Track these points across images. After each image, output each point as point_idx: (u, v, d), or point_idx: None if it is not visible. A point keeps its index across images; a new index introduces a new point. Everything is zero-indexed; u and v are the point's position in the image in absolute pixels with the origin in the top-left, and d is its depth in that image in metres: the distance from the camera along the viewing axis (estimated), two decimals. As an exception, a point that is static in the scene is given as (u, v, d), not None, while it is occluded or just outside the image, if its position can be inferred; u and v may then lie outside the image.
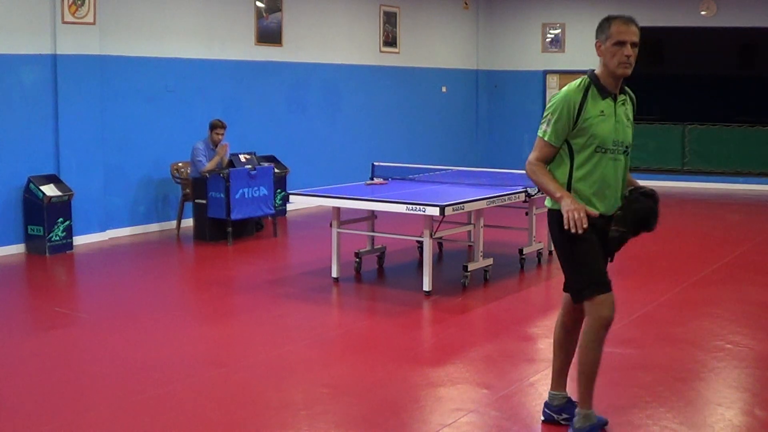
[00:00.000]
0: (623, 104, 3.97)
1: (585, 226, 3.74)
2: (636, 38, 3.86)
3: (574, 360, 4.14)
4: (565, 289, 4.12)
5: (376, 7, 13.33)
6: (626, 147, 3.97)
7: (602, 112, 3.86)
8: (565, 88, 3.93)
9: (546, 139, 3.90)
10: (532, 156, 3.98)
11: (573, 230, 3.75)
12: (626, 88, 4.03)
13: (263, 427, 4.32)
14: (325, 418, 4.41)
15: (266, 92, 11.50)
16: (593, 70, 3.97)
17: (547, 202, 4.03)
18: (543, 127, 3.92)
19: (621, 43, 3.83)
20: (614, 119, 3.90)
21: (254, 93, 11.32)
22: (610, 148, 3.88)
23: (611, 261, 4.07)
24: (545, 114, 3.94)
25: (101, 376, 5.12)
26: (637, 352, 5.46)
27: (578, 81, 3.93)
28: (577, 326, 4.14)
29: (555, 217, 3.94)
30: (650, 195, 4.00)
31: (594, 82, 3.91)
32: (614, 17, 3.91)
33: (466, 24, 15.52)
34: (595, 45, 3.96)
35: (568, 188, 3.89)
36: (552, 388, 4.26)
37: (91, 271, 8.49)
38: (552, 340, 4.31)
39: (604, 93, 3.88)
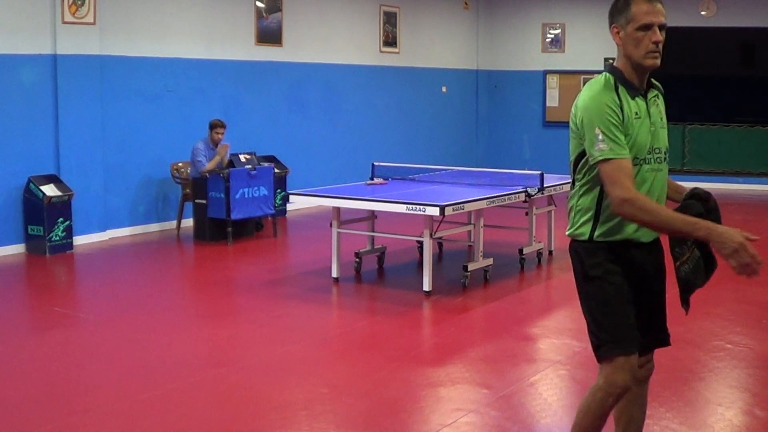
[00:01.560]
0: (655, 101, 3.16)
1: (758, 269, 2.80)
2: (664, 19, 3.04)
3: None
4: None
5: (376, 7, 13.33)
6: (665, 153, 3.17)
7: (637, 114, 3.05)
8: (589, 94, 3.06)
9: (611, 157, 2.95)
10: (620, 190, 2.92)
11: (747, 274, 2.80)
12: (653, 81, 3.20)
13: (263, 427, 4.32)
14: (325, 418, 4.41)
15: (266, 92, 11.50)
16: (611, 64, 3.18)
17: (568, 229, 3.22)
18: (599, 147, 2.97)
19: (647, 27, 3.00)
20: (649, 121, 3.09)
21: (254, 93, 11.32)
22: (647, 158, 3.07)
23: (686, 310, 3.27)
24: (588, 132, 3.01)
25: (101, 376, 5.12)
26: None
27: (600, 80, 3.09)
28: (641, 390, 3.39)
29: (579, 250, 3.18)
30: (707, 198, 3.17)
31: (620, 80, 3.07)
32: None
33: (466, 24, 15.52)
34: (612, 31, 3.11)
35: (596, 215, 3.10)
36: None
37: (91, 271, 8.49)
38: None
39: (633, 91, 3.07)
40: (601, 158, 2.98)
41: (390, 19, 13.59)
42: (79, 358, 5.58)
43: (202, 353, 5.61)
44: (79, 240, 9.10)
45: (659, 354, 3.56)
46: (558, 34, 15.39)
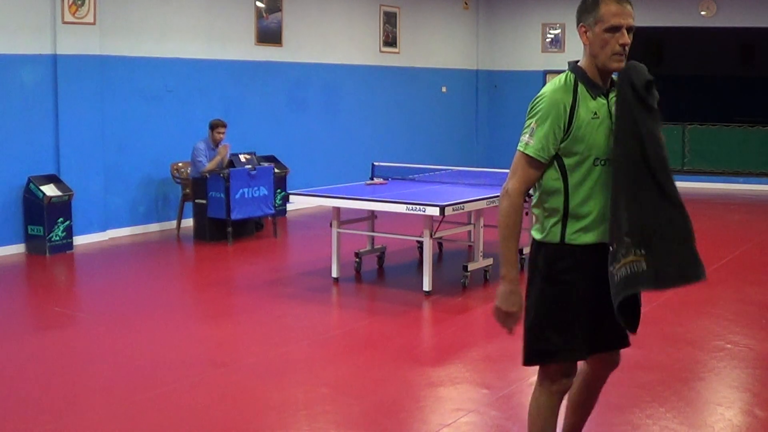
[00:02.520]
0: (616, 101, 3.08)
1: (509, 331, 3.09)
2: (632, 21, 2.99)
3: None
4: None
5: (376, 7, 13.33)
6: None
7: (595, 114, 3.01)
8: (547, 88, 3.04)
9: (530, 153, 3.00)
10: (512, 184, 3.04)
11: (504, 326, 3.11)
12: (614, 78, 3.12)
13: (263, 427, 4.32)
14: (325, 418, 4.41)
15: (266, 92, 11.50)
16: (576, 63, 3.11)
17: (533, 231, 3.20)
18: (524, 138, 3.03)
19: (615, 29, 2.95)
20: (610, 122, 3.03)
21: (254, 93, 11.32)
22: (606, 159, 3.03)
23: (632, 330, 3.15)
24: (527, 123, 3.05)
25: (101, 376, 5.12)
26: (637, 352, 5.45)
27: (561, 78, 3.06)
28: (599, 382, 3.39)
29: (538, 250, 3.17)
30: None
31: (581, 79, 3.04)
32: None
33: (466, 24, 15.52)
34: (579, 30, 3.05)
35: (565, 217, 3.06)
36: None
37: (91, 271, 8.49)
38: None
39: (595, 90, 3.03)
40: (519, 149, 3.04)
41: (390, 19, 13.59)
42: (79, 358, 5.58)
43: (202, 353, 5.61)
44: (79, 240, 9.10)
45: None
46: (558, 34, 15.39)
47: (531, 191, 3.21)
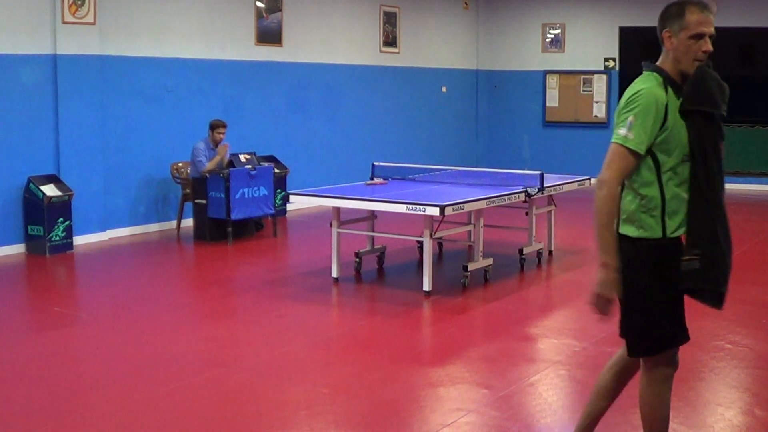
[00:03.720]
0: None
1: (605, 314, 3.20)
2: (713, 29, 3.18)
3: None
4: (623, 335, 3.36)
5: (376, 7, 13.33)
6: None
7: (681, 114, 3.19)
8: (643, 85, 3.16)
9: (630, 146, 3.09)
10: (608, 174, 3.13)
11: (600, 312, 3.18)
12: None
13: (263, 427, 4.32)
14: (325, 418, 4.41)
15: (266, 92, 11.50)
16: (656, 65, 3.26)
17: (624, 228, 3.22)
18: (621, 131, 3.11)
19: (699, 36, 3.14)
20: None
21: (254, 93, 11.32)
22: (686, 156, 3.20)
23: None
24: (622, 116, 3.13)
25: (101, 376, 5.12)
26: (637, 352, 5.46)
27: (652, 77, 3.20)
28: (630, 375, 3.56)
29: (637, 248, 3.20)
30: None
31: (668, 80, 3.19)
32: (688, 2, 3.17)
33: (466, 24, 15.52)
34: (663, 35, 3.21)
35: (663, 212, 3.17)
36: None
37: (91, 271, 8.49)
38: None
39: (678, 91, 3.19)
40: (616, 141, 3.12)
41: (390, 19, 13.59)
42: (79, 358, 5.58)
43: (202, 353, 5.61)
44: (79, 240, 9.10)
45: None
46: (558, 34, 15.39)
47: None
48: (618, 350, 3.54)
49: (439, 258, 8.51)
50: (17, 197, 8.73)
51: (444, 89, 15.04)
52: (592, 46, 15.04)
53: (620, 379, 3.53)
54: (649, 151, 3.14)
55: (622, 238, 3.21)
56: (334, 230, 7.39)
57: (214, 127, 9.53)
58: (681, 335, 3.31)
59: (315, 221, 10.65)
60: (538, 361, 5.43)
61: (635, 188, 3.19)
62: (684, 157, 3.18)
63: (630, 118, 3.10)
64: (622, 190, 3.22)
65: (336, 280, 7.45)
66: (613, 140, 3.14)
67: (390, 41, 13.64)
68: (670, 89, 3.16)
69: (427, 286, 6.94)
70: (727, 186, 3.33)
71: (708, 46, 3.16)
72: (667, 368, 3.35)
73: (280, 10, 11.58)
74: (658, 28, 3.24)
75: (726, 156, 3.33)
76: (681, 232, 3.22)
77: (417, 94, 14.33)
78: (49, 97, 8.95)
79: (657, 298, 3.22)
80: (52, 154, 9.02)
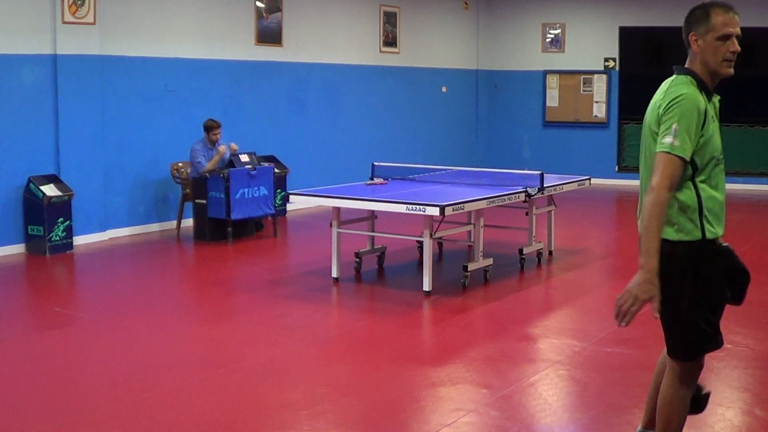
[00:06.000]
0: (716, 106, 3.34)
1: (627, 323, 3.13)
2: (740, 29, 3.22)
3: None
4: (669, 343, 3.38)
5: (376, 7, 13.33)
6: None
7: (713, 116, 3.23)
8: (684, 89, 3.16)
9: (677, 153, 3.07)
10: (657, 180, 3.09)
11: (619, 321, 3.11)
12: None
13: (263, 427, 4.32)
14: (325, 418, 4.41)
15: (266, 92, 11.50)
16: (687, 68, 3.28)
17: (668, 233, 3.19)
18: (667, 140, 3.08)
19: (726, 37, 3.17)
20: (718, 124, 3.28)
21: (254, 93, 11.32)
22: (719, 158, 3.26)
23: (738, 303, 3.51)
24: (666, 123, 3.11)
25: (101, 376, 5.12)
26: (637, 352, 5.46)
27: (686, 80, 3.22)
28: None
29: (677, 250, 3.20)
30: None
31: (700, 83, 3.22)
32: (712, 4, 3.21)
33: (466, 24, 15.52)
34: (689, 38, 3.24)
35: (701, 214, 3.19)
36: (644, 426, 3.74)
37: (91, 271, 8.49)
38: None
39: (710, 94, 3.24)
40: (664, 150, 3.10)
41: (390, 19, 13.59)
42: (79, 358, 5.58)
43: (202, 353, 5.61)
44: (79, 240, 9.10)
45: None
46: (558, 34, 15.39)
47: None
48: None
49: (439, 258, 8.51)
50: (17, 197, 8.73)
51: (444, 89, 15.04)
52: (592, 46, 15.04)
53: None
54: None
55: (662, 242, 3.17)
56: (334, 230, 7.40)
57: (208, 129, 9.50)
58: (718, 339, 3.32)
59: (315, 221, 10.64)
60: (538, 361, 5.43)
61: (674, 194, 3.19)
62: (715, 160, 3.22)
63: (674, 126, 3.09)
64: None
65: (336, 280, 7.45)
66: (658, 150, 3.12)
67: (390, 41, 13.64)
68: (702, 92, 3.19)
69: (427, 286, 6.94)
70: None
71: (736, 46, 3.19)
72: (696, 371, 3.37)
73: (280, 10, 11.58)
74: (684, 33, 3.27)
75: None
76: (719, 233, 3.26)
77: (417, 94, 14.33)
78: (49, 97, 8.95)
79: (697, 302, 3.23)
80: (52, 154, 9.02)
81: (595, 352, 5.49)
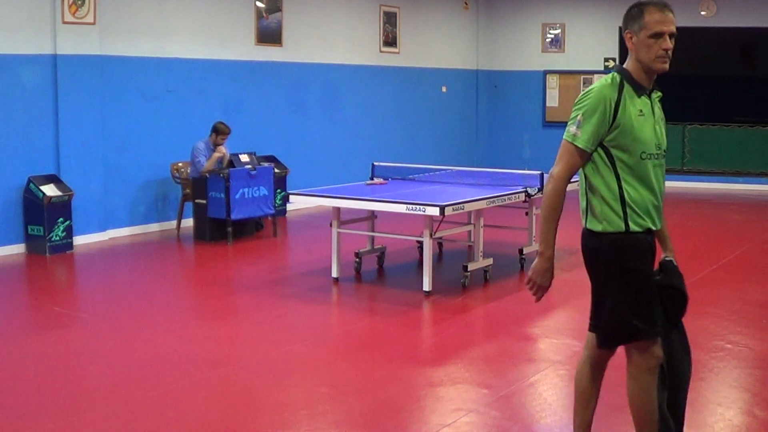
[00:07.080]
0: (657, 102, 3.43)
1: (539, 298, 3.43)
2: (674, 27, 3.31)
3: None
4: (595, 330, 3.46)
5: (376, 7, 13.33)
6: (665, 150, 3.42)
7: (641, 111, 3.30)
8: (596, 85, 3.32)
9: (577, 144, 3.26)
10: (559, 169, 3.30)
11: (534, 295, 3.40)
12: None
13: (263, 427, 4.32)
14: (325, 418, 4.41)
15: (266, 92, 11.50)
16: (621, 66, 3.40)
17: (591, 224, 3.36)
18: (571, 129, 3.28)
19: (658, 35, 3.27)
20: (653, 119, 3.35)
21: (254, 93, 11.33)
22: (653, 153, 3.32)
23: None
24: (574, 114, 3.29)
25: (101, 376, 5.12)
26: (637, 352, 5.46)
27: (609, 77, 3.34)
28: (602, 374, 3.63)
29: (602, 242, 3.32)
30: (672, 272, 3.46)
31: (627, 79, 3.32)
32: (647, 3, 3.31)
33: (466, 24, 15.53)
34: (625, 36, 3.35)
35: (624, 207, 3.28)
36: None
37: (91, 271, 8.49)
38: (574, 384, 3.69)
39: (639, 90, 3.32)
40: (566, 138, 3.30)
41: (390, 19, 13.59)
42: (79, 358, 5.58)
43: (202, 353, 5.61)
44: (79, 240, 9.10)
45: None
46: (558, 34, 15.39)
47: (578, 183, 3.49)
48: (583, 352, 3.62)
49: (439, 258, 8.51)
50: (17, 197, 8.73)
51: (444, 89, 15.05)
52: (592, 46, 15.04)
53: (595, 377, 3.60)
54: (604, 148, 3.28)
55: (589, 233, 3.37)
56: (334, 230, 7.40)
57: (219, 132, 9.42)
58: (649, 331, 3.33)
59: (315, 221, 10.65)
60: (538, 361, 5.44)
61: (597, 184, 3.32)
62: (648, 155, 3.29)
63: (579, 117, 3.26)
64: (587, 186, 3.37)
65: (336, 280, 7.45)
66: (564, 137, 3.31)
67: (390, 41, 13.64)
68: (627, 87, 3.28)
69: (427, 286, 6.94)
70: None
71: (668, 44, 3.28)
72: (649, 359, 3.37)
73: (280, 10, 11.58)
74: (622, 31, 3.39)
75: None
76: (649, 225, 3.32)
77: (417, 94, 14.33)
78: (49, 97, 8.95)
79: (622, 292, 3.30)
80: (52, 154, 9.02)
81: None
